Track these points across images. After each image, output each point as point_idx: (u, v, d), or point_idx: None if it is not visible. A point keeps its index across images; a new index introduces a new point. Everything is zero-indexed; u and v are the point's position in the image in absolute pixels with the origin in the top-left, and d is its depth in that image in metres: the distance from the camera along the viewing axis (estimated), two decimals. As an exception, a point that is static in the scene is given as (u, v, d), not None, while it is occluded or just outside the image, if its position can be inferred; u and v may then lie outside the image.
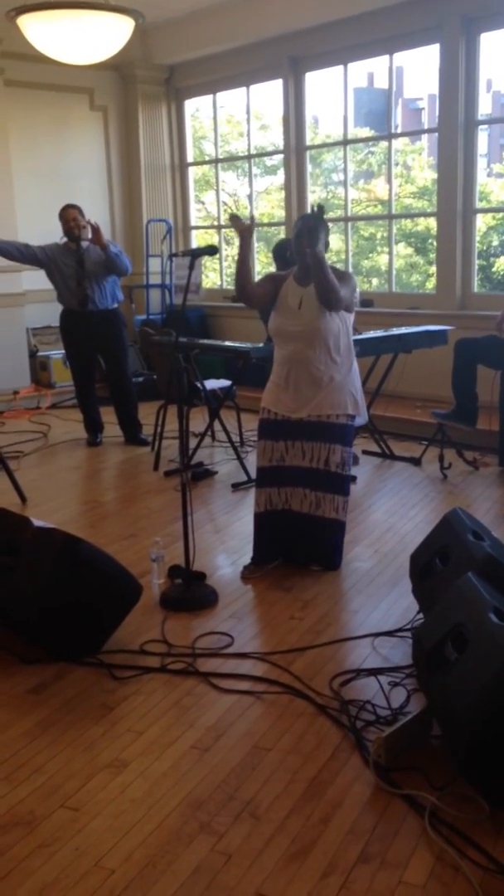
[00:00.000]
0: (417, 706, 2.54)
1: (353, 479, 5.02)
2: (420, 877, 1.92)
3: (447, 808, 2.13)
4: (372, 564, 3.75)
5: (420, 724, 2.42)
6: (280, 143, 7.76)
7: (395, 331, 5.42)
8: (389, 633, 3.10)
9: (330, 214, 10.36)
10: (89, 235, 5.57)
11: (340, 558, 3.71)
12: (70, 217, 5.65)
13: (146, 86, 8.22)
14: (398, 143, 13.66)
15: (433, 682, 2.41)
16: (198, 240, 9.02)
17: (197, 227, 9.01)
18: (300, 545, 3.70)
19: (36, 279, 5.97)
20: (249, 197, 8.94)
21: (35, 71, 7.17)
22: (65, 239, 5.74)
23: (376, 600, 3.39)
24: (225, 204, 11.60)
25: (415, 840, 2.04)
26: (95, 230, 5.55)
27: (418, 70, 29.54)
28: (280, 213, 8.55)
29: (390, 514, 4.43)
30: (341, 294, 3.48)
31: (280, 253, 5.16)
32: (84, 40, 5.43)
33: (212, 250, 3.53)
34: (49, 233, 6.17)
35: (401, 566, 3.59)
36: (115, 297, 5.86)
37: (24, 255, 5.66)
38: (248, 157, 8.52)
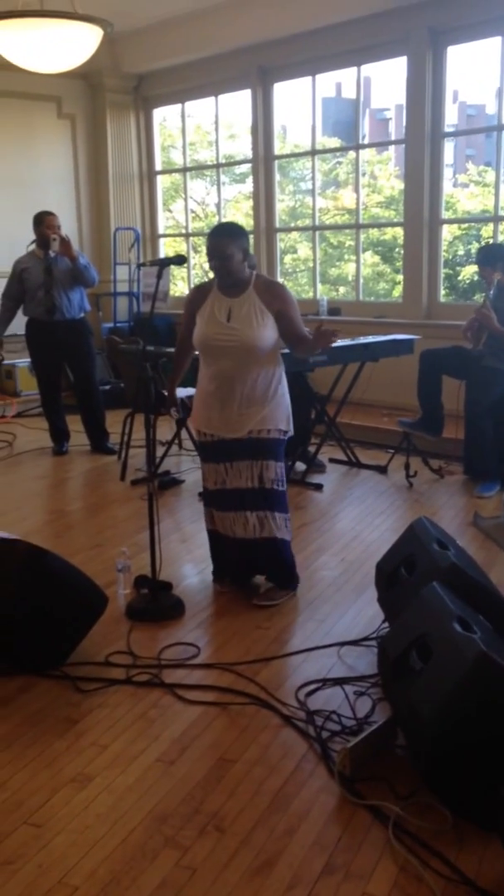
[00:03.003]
0: (383, 716, 2.55)
1: (320, 487, 5.04)
2: (384, 888, 1.93)
3: (411, 818, 2.14)
4: (338, 573, 3.77)
5: (385, 733, 2.43)
6: (248, 153, 7.79)
7: (362, 339, 5.45)
8: (355, 643, 3.11)
9: (298, 223, 10.42)
10: (57, 247, 5.55)
11: (294, 576, 3.57)
12: (55, 224, 5.61)
13: (114, 94, 8.21)
14: (365, 154, 13.79)
15: (398, 691, 2.42)
16: (166, 248, 9.02)
17: (165, 236, 9.00)
18: (250, 569, 3.59)
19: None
20: (218, 206, 8.96)
21: (2, 79, 7.12)
22: (33, 246, 5.72)
23: (342, 609, 3.40)
24: (193, 212, 11.62)
25: (379, 851, 2.05)
26: (65, 243, 5.54)
27: (386, 81, 29.91)
28: (249, 222, 8.57)
29: (356, 522, 4.46)
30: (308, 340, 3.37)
31: None
32: (52, 49, 5.40)
33: (180, 260, 3.51)
34: (13, 242, 6.14)
35: (367, 574, 3.61)
36: (83, 307, 5.84)
37: (17, 303, 5.75)
38: (217, 166, 8.53)
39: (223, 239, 3.30)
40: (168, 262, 3.50)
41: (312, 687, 2.79)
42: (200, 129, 10.99)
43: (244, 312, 3.32)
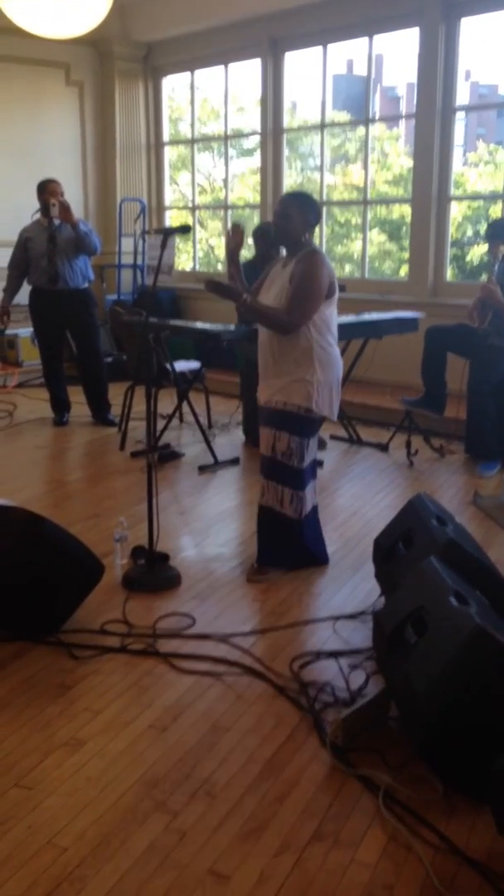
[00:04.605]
0: (376, 688, 2.55)
1: (320, 463, 5.02)
2: (372, 855, 1.94)
3: (401, 787, 2.15)
4: (336, 548, 3.76)
5: (378, 705, 2.43)
6: (256, 127, 7.70)
7: (367, 316, 5.42)
8: (351, 616, 3.10)
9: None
10: (57, 213, 5.50)
11: (289, 559, 3.46)
12: (57, 191, 5.55)
13: (123, 62, 8.10)
14: (375, 130, 13.67)
15: (392, 664, 2.42)
16: (172, 220, 8.95)
17: (171, 208, 8.93)
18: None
19: (3, 256, 5.90)
20: (225, 180, 8.88)
21: (10, 44, 7.03)
22: (38, 215, 5.67)
23: (339, 584, 3.40)
24: (200, 185, 11.53)
25: (368, 819, 2.05)
26: (65, 208, 5.49)
27: (397, 59, 29.60)
28: (256, 197, 8.50)
29: (356, 498, 4.44)
30: (288, 317, 3.24)
31: (260, 234, 5.14)
32: (61, 13, 5.33)
33: (185, 229, 3.48)
34: (19, 208, 6.09)
35: (364, 550, 3.60)
36: (87, 276, 5.80)
37: (22, 271, 5.73)
38: (225, 138, 8.45)
39: (289, 200, 3.39)
40: (172, 231, 3.47)
41: (307, 659, 2.79)
42: (208, 103, 10.86)
43: (280, 282, 3.37)
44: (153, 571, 3.38)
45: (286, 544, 3.48)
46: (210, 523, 4.05)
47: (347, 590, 3.34)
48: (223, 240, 3.64)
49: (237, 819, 2.05)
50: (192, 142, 8.62)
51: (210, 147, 11.03)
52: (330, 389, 3.40)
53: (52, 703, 2.54)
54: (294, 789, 2.16)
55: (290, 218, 3.35)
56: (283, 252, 3.53)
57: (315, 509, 3.57)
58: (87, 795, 2.13)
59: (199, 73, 8.17)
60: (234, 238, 3.59)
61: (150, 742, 2.36)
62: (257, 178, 7.94)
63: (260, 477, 3.51)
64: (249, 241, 5.05)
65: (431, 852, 1.94)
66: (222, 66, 7.83)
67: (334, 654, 2.82)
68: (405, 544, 3.01)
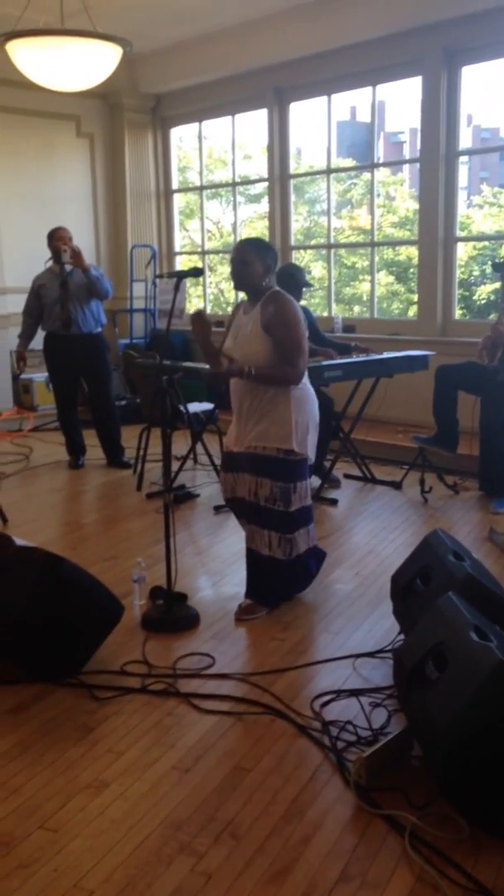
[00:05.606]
0: (398, 727, 2.54)
1: (334, 502, 5.04)
2: (400, 896, 1.92)
3: (427, 827, 2.13)
4: (353, 587, 3.76)
5: (401, 744, 2.42)
6: (263, 173, 7.86)
7: (377, 355, 5.46)
8: (370, 654, 3.10)
9: (313, 242, 10.53)
10: (69, 258, 5.61)
11: (275, 598, 3.50)
12: (66, 237, 5.68)
13: (132, 114, 8.32)
14: (380, 175, 13.91)
15: (414, 701, 2.41)
16: (182, 265, 9.10)
17: (181, 253, 9.08)
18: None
19: (19, 302, 6.01)
20: (233, 225, 9.04)
21: (22, 97, 7.24)
22: (50, 262, 5.79)
23: (357, 622, 3.39)
24: (209, 231, 11.72)
25: (395, 860, 2.04)
26: (76, 253, 5.61)
27: (400, 104, 30.18)
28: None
29: (371, 536, 4.45)
30: (293, 368, 3.27)
31: (285, 278, 5.15)
32: (72, 67, 5.49)
33: (197, 272, 3.55)
34: (32, 257, 6.22)
35: (381, 588, 3.60)
36: (99, 320, 5.89)
37: (36, 318, 5.84)
38: (233, 185, 8.62)
39: (246, 247, 3.38)
40: (185, 274, 3.53)
41: (328, 698, 2.79)
42: (214, 152, 11.10)
43: (248, 328, 3.36)
44: (172, 611, 3.39)
45: (273, 582, 3.49)
46: (227, 563, 4.07)
47: (366, 628, 3.34)
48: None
49: (263, 861, 2.04)
50: (200, 189, 8.79)
51: (218, 194, 11.25)
52: (307, 427, 3.40)
53: (75, 745, 2.54)
54: (319, 830, 2.15)
55: (250, 264, 3.33)
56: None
57: (312, 551, 3.55)
58: (112, 838, 2.12)
59: (206, 123, 8.37)
60: (198, 327, 3.40)
61: (174, 784, 2.35)
62: (265, 222, 8.08)
63: (242, 521, 3.53)
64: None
65: (460, 893, 1.92)
66: (229, 117, 8.02)
67: (355, 693, 2.81)
68: (423, 581, 3.01)
